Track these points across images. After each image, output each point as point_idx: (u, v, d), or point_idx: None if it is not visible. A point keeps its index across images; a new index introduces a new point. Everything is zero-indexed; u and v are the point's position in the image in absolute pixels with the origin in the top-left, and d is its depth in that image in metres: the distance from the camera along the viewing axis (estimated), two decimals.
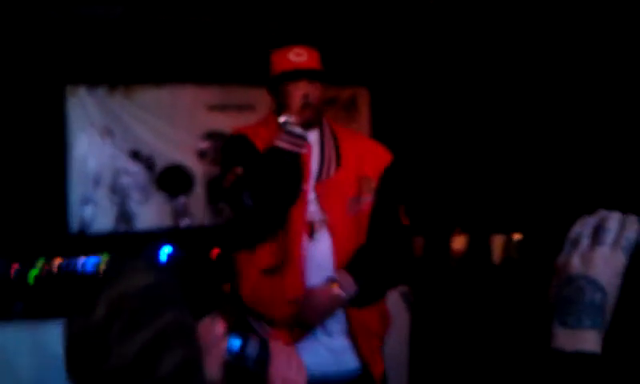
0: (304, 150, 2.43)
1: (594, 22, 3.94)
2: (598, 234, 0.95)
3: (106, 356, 1.27)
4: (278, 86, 2.52)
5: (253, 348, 1.49)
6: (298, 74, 2.49)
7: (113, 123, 4.97)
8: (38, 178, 4.69)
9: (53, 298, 3.90)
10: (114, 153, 4.98)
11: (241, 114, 5.21)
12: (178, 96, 5.13)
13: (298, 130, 2.40)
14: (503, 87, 4.82)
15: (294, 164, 2.41)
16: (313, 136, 2.57)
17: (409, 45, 5.25)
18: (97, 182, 4.92)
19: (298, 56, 2.52)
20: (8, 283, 3.95)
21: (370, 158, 2.62)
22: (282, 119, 2.42)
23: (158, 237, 4.80)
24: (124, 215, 4.96)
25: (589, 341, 0.90)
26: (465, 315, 4.32)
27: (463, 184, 4.86)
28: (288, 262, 2.45)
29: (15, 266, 4.10)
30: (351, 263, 2.49)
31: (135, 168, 5.02)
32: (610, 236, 0.95)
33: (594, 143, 3.98)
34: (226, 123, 5.18)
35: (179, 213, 5.10)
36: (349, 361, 2.56)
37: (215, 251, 4.64)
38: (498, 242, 4.56)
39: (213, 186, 5.15)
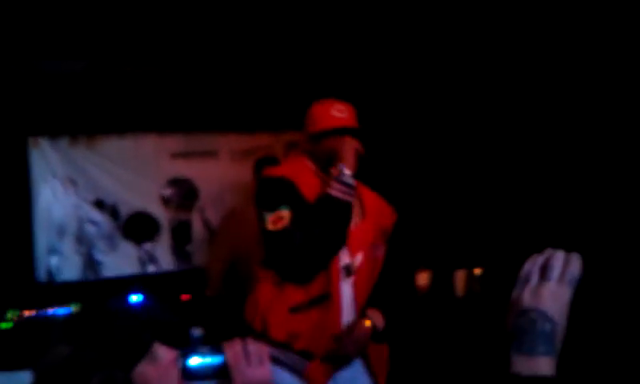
0: (353, 199, 2.64)
1: (584, 50, 4.06)
2: (545, 270, 1.07)
3: None
4: (323, 139, 2.72)
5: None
6: (350, 131, 2.72)
7: (76, 174, 4.99)
8: (3, 229, 4.68)
9: (24, 348, 3.89)
10: (78, 203, 4.99)
11: (204, 161, 5.30)
12: (141, 145, 5.17)
13: (351, 180, 2.62)
14: (461, 126, 4.97)
15: (345, 211, 2.61)
16: None
17: (367, 85, 5.38)
18: (62, 231, 4.93)
19: (341, 112, 2.77)
20: None
21: (385, 211, 2.89)
22: (336, 170, 2.62)
23: (126, 284, 4.82)
24: (90, 264, 4.97)
25: (543, 366, 1.01)
26: (430, 347, 4.42)
27: (425, 222, 4.98)
28: (330, 300, 2.63)
29: None
30: (372, 302, 2.73)
31: (100, 217, 5.04)
32: (555, 272, 1.07)
33: (554, 180, 4.13)
34: (189, 170, 5.28)
35: (145, 259, 5.13)
36: (364, 381, 2.75)
37: (184, 297, 4.68)
38: (460, 277, 4.68)
39: (178, 231, 5.20)
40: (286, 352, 2.61)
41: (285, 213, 2.59)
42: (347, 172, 2.62)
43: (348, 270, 2.69)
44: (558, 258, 1.07)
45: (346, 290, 2.69)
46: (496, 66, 4.63)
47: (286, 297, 2.62)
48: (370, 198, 2.87)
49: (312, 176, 2.75)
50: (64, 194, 4.96)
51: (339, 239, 2.63)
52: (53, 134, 4.92)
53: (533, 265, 1.08)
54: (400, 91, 5.28)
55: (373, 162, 5.19)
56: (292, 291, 2.62)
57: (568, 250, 1.08)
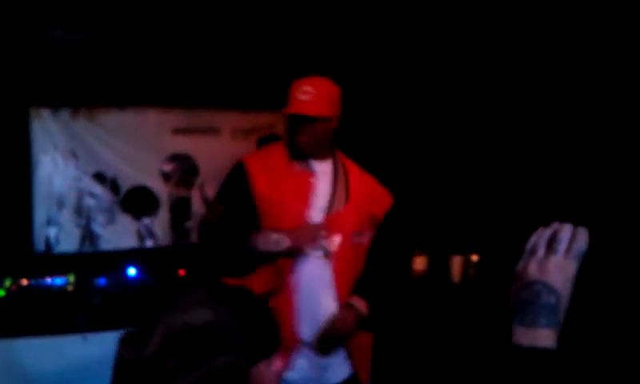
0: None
1: (583, 55, 4.07)
2: (552, 243, 1.08)
3: None
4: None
5: None
6: (297, 120, 2.69)
7: (76, 146, 4.98)
8: (3, 199, 4.68)
9: (21, 316, 3.91)
10: (78, 175, 4.99)
11: (205, 137, 5.29)
12: (142, 119, 5.16)
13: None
14: (456, 113, 4.97)
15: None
16: (326, 167, 2.78)
17: (363, 68, 5.38)
18: (61, 203, 4.93)
19: (304, 95, 2.68)
20: None
21: (377, 196, 2.85)
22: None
23: (123, 257, 4.83)
24: (89, 236, 4.98)
25: (543, 338, 1.02)
26: (425, 333, 4.44)
27: (422, 206, 4.98)
28: (282, 289, 2.63)
29: None
30: (358, 289, 2.71)
31: (99, 190, 5.04)
32: (562, 246, 1.08)
33: (551, 167, 4.13)
34: (190, 146, 5.27)
35: (144, 234, 5.13)
36: (342, 372, 2.71)
37: (181, 272, 4.69)
38: (457, 263, 4.70)
39: (178, 207, 5.20)
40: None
41: (220, 208, 2.61)
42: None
43: (325, 254, 2.68)
44: (566, 231, 1.08)
45: (324, 275, 2.69)
46: (493, 52, 4.62)
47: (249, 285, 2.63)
48: (360, 183, 2.83)
49: (281, 163, 2.75)
50: (64, 166, 4.95)
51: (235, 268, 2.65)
52: (54, 105, 4.91)
53: (539, 237, 1.09)
54: (399, 75, 5.27)
55: (370, 145, 5.22)
56: (253, 282, 2.60)
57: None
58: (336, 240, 2.70)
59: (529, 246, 1.10)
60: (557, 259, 1.05)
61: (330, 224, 2.68)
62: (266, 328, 1.48)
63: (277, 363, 1.52)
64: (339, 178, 2.76)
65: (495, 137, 4.64)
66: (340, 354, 2.75)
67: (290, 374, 2.58)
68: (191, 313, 1.29)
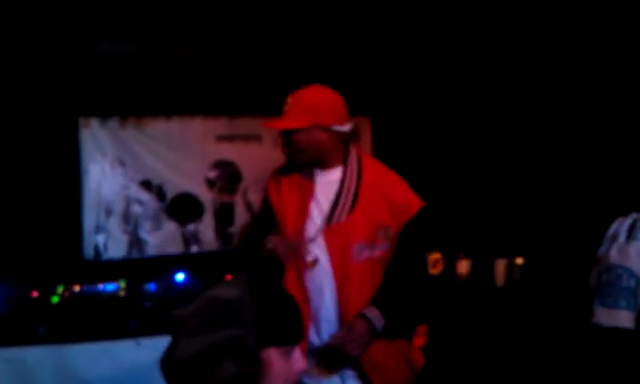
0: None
1: (594, 56, 4.09)
2: (632, 230, 1.12)
3: (177, 345, 1.45)
4: None
5: None
6: (283, 133, 2.68)
7: (124, 154, 5.11)
8: (53, 207, 4.81)
9: (75, 322, 4.00)
10: (126, 183, 5.12)
11: (248, 144, 5.38)
12: (188, 127, 5.28)
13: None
14: (502, 115, 4.98)
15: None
16: (332, 176, 2.68)
17: (409, 74, 5.43)
18: (109, 211, 5.05)
19: (285, 107, 2.66)
20: (30, 309, 4.05)
21: (399, 207, 2.66)
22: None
23: (169, 263, 4.92)
24: (136, 242, 5.09)
25: (624, 319, 1.06)
26: (470, 337, 4.44)
27: (466, 209, 5.00)
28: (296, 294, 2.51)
29: (34, 293, 4.20)
30: (376, 300, 2.59)
31: (146, 197, 5.16)
32: None
33: (594, 170, 4.12)
34: (233, 153, 5.37)
35: (189, 240, 5.23)
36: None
37: (228, 277, 4.76)
38: (500, 266, 4.68)
39: (222, 213, 5.30)
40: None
41: (248, 229, 2.65)
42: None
43: (313, 263, 2.61)
44: None
45: (326, 286, 2.61)
46: (527, 49, 4.63)
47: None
48: (374, 193, 2.67)
49: (289, 175, 2.74)
50: (112, 174, 5.08)
51: None
52: (103, 114, 5.04)
53: (620, 225, 1.13)
54: (440, 81, 5.31)
55: (413, 147, 5.24)
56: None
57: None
58: (315, 254, 2.60)
59: (610, 232, 1.14)
60: (637, 245, 1.09)
61: (329, 235, 2.60)
62: (288, 319, 1.54)
63: (300, 362, 1.54)
64: (346, 187, 2.65)
65: (541, 140, 4.64)
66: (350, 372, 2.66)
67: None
68: (222, 289, 1.49)
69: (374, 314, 2.54)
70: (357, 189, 2.65)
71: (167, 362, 1.47)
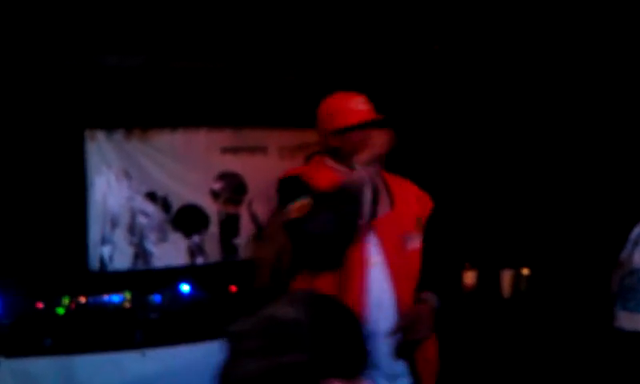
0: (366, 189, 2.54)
1: (601, 66, 4.09)
2: None
3: (235, 363, 1.37)
4: (348, 134, 2.65)
5: None
6: (377, 123, 2.66)
7: (130, 166, 5.12)
8: (59, 218, 4.82)
9: (80, 333, 4.00)
10: (131, 194, 5.13)
11: (253, 156, 5.40)
12: (193, 139, 5.29)
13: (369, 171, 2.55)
14: (507, 125, 4.98)
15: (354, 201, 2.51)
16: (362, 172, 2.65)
17: (415, 85, 5.44)
18: (115, 222, 5.06)
19: (363, 105, 2.74)
20: (36, 320, 4.06)
21: (421, 198, 2.77)
22: (358, 162, 2.56)
23: (175, 274, 4.92)
24: (142, 254, 5.10)
25: None
26: (476, 348, 4.43)
27: (472, 221, 4.99)
28: (347, 297, 2.48)
29: (40, 304, 4.21)
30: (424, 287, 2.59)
31: (151, 209, 5.17)
32: None
33: (601, 180, 4.12)
34: (238, 165, 5.38)
35: (194, 251, 5.24)
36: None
37: (232, 288, 4.76)
38: (507, 277, 4.68)
39: (227, 224, 5.30)
40: None
41: (306, 201, 2.58)
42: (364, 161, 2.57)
43: (375, 261, 2.56)
44: None
45: (381, 284, 2.55)
46: (532, 59, 4.64)
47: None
48: (401, 187, 2.76)
49: (333, 174, 2.67)
50: (118, 186, 5.09)
51: (353, 229, 2.53)
52: (109, 126, 5.05)
53: None
54: (449, 91, 5.32)
55: (418, 158, 5.25)
56: (322, 286, 2.52)
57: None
58: (385, 248, 2.56)
59: (633, 236, 1.14)
60: None
61: (381, 225, 2.59)
62: (354, 347, 1.47)
63: None
64: (379, 184, 2.65)
65: (545, 150, 4.64)
66: (405, 370, 2.65)
67: None
68: (283, 307, 1.38)
69: (431, 297, 2.55)
70: (386, 184, 2.70)
71: (227, 380, 1.40)
